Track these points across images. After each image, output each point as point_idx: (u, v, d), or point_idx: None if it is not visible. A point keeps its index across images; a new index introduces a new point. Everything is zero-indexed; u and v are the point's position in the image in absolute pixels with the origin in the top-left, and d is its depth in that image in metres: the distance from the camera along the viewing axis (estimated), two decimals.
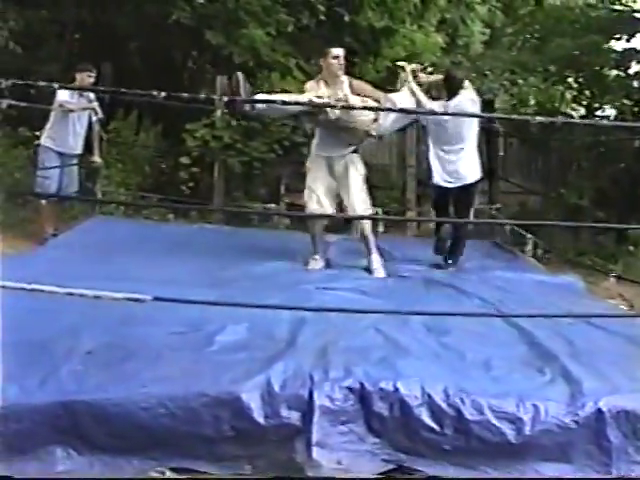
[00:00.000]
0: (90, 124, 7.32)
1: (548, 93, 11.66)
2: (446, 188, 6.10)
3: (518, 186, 9.86)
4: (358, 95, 5.52)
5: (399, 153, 10.19)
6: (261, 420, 2.93)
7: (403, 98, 5.82)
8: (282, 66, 9.23)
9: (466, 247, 6.29)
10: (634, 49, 9.74)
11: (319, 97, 5.43)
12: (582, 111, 11.17)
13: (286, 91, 7.53)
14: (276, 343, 3.50)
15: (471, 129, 6.06)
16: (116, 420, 2.89)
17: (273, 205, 9.02)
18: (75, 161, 7.28)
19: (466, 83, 6.09)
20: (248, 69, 8.12)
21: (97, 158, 7.62)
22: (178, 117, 8.80)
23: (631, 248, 8.29)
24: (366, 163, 5.98)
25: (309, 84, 5.83)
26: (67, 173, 7.16)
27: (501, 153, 9.48)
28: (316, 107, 5.46)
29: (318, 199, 5.70)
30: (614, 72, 10.28)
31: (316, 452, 2.89)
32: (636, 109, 9.81)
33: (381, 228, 8.71)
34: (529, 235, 7.59)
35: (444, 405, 3.00)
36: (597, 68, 10.12)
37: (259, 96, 5.41)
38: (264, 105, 5.62)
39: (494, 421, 2.97)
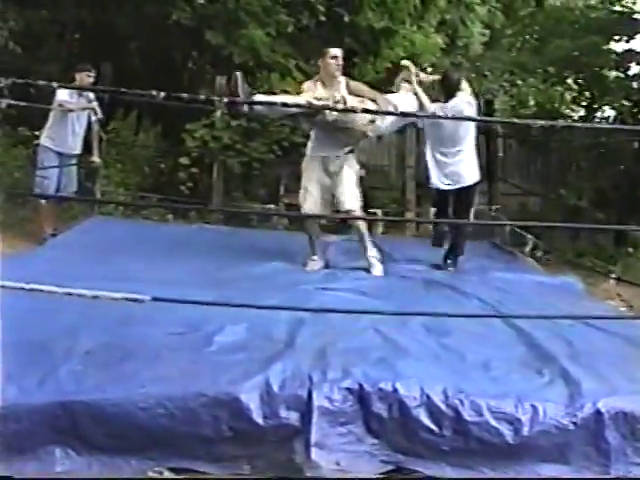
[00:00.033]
0: (89, 124, 7.32)
1: (547, 94, 11.68)
2: (445, 190, 6.11)
3: (517, 187, 9.87)
4: (355, 96, 5.51)
5: (398, 154, 10.20)
6: (260, 420, 2.93)
7: (401, 99, 5.82)
8: (282, 66, 9.23)
9: (466, 248, 6.29)
10: (633, 50, 9.75)
11: (318, 98, 5.42)
12: (581, 112, 11.18)
13: (285, 91, 7.54)
14: (275, 344, 3.50)
15: (468, 131, 6.06)
16: (115, 420, 2.89)
17: (272, 205, 9.03)
18: (74, 161, 7.28)
19: (463, 84, 6.09)
20: (248, 69, 8.11)
21: (96, 158, 7.62)
22: (178, 117, 8.80)
23: (630, 249, 8.30)
24: (365, 164, 6.00)
25: (306, 84, 5.83)
26: (66, 173, 7.16)
27: (500, 154, 9.49)
28: (316, 109, 5.46)
29: (313, 200, 5.70)
30: (614, 73, 10.30)
31: (315, 453, 2.89)
32: (635, 110, 9.82)
33: (380, 229, 8.74)
34: (529, 236, 7.59)
35: (443, 406, 3.00)
36: (597, 69, 10.13)
37: (258, 96, 5.40)
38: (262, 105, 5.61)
39: (493, 422, 2.97)
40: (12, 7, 9.15)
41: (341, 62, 5.65)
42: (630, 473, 2.97)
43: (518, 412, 2.99)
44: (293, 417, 2.96)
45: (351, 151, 5.77)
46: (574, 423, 2.99)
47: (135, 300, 2.81)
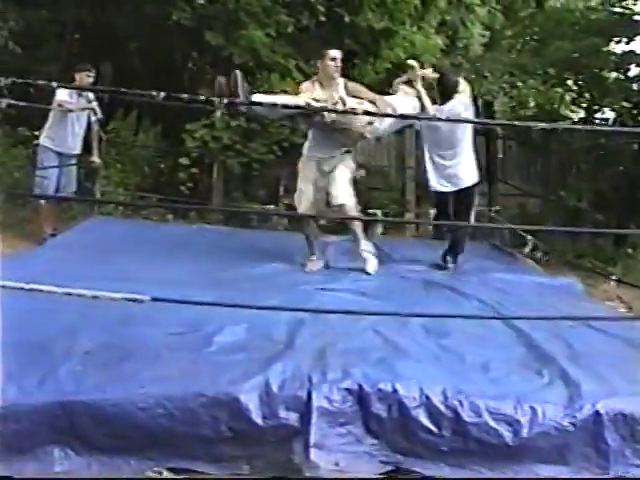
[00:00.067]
0: (89, 124, 7.33)
1: (547, 95, 11.67)
2: (444, 192, 6.12)
3: (517, 188, 9.87)
4: (353, 97, 5.51)
5: (398, 154, 10.21)
6: (259, 421, 2.93)
7: (399, 101, 5.82)
8: (282, 67, 9.22)
9: (465, 249, 6.29)
10: (633, 52, 9.75)
11: (316, 99, 5.42)
12: (581, 113, 11.17)
13: (285, 92, 7.53)
14: (274, 344, 3.51)
15: (465, 133, 6.06)
16: (114, 420, 2.89)
17: (272, 206, 9.02)
18: (74, 161, 7.28)
19: (461, 86, 6.07)
20: (248, 70, 8.11)
21: (96, 158, 7.62)
22: (177, 117, 8.80)
23: (630, 251, 8.29)
24: (365, 165, 5.99)
25: (304, 85, 5.82)
26: (66, 173, 7.16)
27: (500, 155, 9.50)
28: (315, 111, 5.45)
29: (308, 200, 5.69)
30: (613, 75, 10.29)
31: (314, 453, 2.90)
32: (635, 112, 9.82)
33: (380, 229, 8.74)
34: (528, 237, 7.59)
35: (442, 407, 3.01)
36: (596, 71, 10.12)
37: (257, 95, 5.38)
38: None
39: (492, 423, 2.97)
40: (12, 7, 9.15)
41: (340, 64, 5.65)
42: (629, 474, 2.97)
43: (517, 413, 2.99)
44: (292, 417, 2.96)
45: (347, 152, 5.76)
46: (573, 424, 2.99)
47: (135, 300, 2.81)
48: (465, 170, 6.09)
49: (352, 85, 5.74)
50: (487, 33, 12.23)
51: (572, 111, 11.65)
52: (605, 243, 8.80)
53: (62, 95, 6.89)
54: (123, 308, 3.12)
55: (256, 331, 3.66)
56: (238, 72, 5.10)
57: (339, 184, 5.62)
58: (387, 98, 5.83)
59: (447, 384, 3.10)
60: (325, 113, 5.39)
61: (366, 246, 5.75)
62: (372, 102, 5.54)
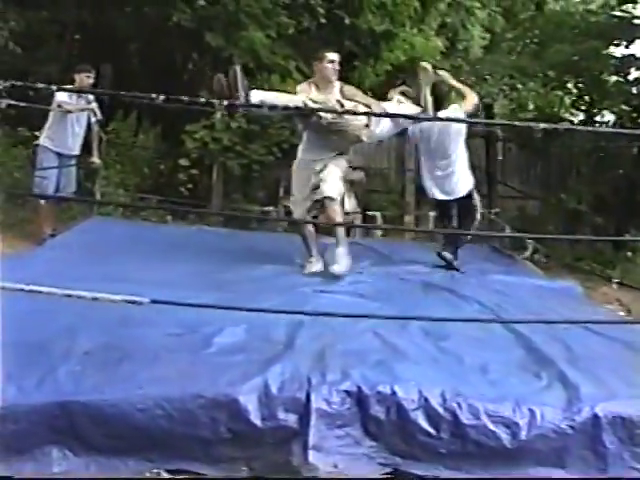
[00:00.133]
0: (89, 125, 7.33)
1: (547, 98, 11.69)
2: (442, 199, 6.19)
3: (517, 191, 9.88)
4: (349, 100, 5.49)
5: (398, 157, 10.21)
6: (258, 422, 2.93)
7: (394, 108, 5.80)
8: (282, 68, 9.24)
9: (465, 251, 6.30)
10: (633, 55, 9.76)
11: (313, 101, 5.39)
12: (581, 116, 11.19)
13: (284, 91, 7.52)
14: (274, 345, 3.50)
15: (457, 143, 6.10)
16: (113, 421, 2.88)
17: (271, 208, 9.02)
18: (73, 162, 7.28)
19: (454, 96, 6.14)
20: (248, 71, 8.11)
21: (96, 159, 7.63)
22: (177, 118, 8.80)
23: (629, 254, 8.30)
24: (365, 167, 5.98)
25: (300, 86, 5.79)
26: (65, 174, 7.16)
27: (500, 158, 9.50)
28: (314, 111, 5.43)
29: (301, 205, 5.67)
30: (613, 78, 10.29)
31: (312, 455, 2.89)
32: (635, 115, 9.83)
33: (379, 231, 8.75)
34: (528, 240, 7.60)
35: (441, 409, 3.00)
36: (596, 74, 10.13)
37: (255, 92, 5.35)
38: (259, 99, 5.50)
39: (490, 425, 2.97)
40: (12, 8, 9.16)
41: (337, 67, 5.64)
42: (627, 477, 2.97)
43: (516, 416, 2.99)
44: (291, 419, 2.96)
45: (341, 154, 5.72)
46: (572, 427, 2.99)
47: (134, 302, 2.81)
48: (459, 180, 6.18)
49: (348, 88, 5.71)
50: (487, 35, 12.28)
51: (572, 114, 11.66)
52: (604, 246, 8.80)
53: (62, 96, 6.89)
54: (122, 309, 3.10)
55: (255, 332, 3.66)
56: (238, 68, 5.08)
57: (329, 180, 5.55)
58: (383, 104, 5.79)
59: (446, 386, 3.10)
60: (322, 114, 5.37)
61: (343, 248, 5.63)
62: (367, 106, 5.52)
